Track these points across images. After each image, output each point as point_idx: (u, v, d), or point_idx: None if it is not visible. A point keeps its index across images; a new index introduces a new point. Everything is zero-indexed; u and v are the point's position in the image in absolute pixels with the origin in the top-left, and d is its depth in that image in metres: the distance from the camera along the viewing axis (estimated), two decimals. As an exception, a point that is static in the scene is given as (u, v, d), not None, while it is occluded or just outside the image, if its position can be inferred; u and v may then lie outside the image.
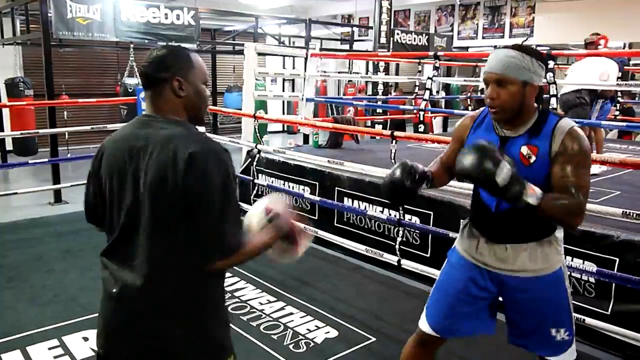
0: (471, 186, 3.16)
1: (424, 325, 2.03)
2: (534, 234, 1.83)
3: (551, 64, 4.73)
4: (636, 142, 8.57)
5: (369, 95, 9.50)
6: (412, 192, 1.90)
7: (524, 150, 1.77)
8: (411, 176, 1.88)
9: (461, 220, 2.08)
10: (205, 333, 1.40)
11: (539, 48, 8.90)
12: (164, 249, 1.34)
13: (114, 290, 1.37)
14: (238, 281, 3.81)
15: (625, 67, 6.88)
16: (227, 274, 3.90)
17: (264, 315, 3.30)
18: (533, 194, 1.62)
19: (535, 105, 1.81)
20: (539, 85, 1.77)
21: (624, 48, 12.12)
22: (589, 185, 1.75)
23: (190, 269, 1.35)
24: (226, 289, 3.63)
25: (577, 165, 1.71)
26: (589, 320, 2.84)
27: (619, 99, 7.76)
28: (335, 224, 4.67)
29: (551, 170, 1.74)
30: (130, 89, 7.73)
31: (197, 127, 1.47)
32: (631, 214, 2.59)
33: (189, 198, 1.30)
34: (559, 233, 1.87)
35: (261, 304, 3.47)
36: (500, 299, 1.98)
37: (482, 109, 1.98)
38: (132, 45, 7.36)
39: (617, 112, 7.62)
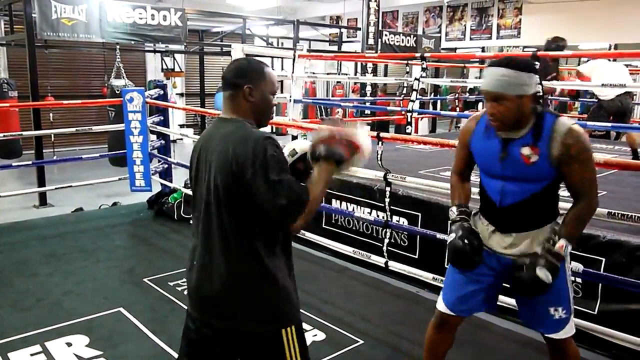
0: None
1: (440, 305, 2.23)
2: (536, 223, 1.99)
3: (537, 65, 4.75)
4: (622, 142, 8.63)
5: (360, 96, 9.50)
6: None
7: (525, 150, 1.90)
8: (478, 248, 2.04)
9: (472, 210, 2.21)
10: (265, 297, 1.64)
11: (526, 50, 8.99)
12: (234, 226, 1.61)
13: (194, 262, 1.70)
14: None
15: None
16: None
17: (250, 319, 3.27)
18: (564, 248, 1.88)
19: (533, 106, 1.91)
20: (533, 93, 1.87)
21: (609, 49, 12.21)
22: (595, 175, 1.93)
23: (256, 242, 1.61)
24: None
25: (581, 162, 1.87)
26: (576, 321, 2.84)
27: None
28: (324, 226, 4.65)
29: (559, 171, 1.90)
30: (118, 90, 7.63)
31: (258, 127, 1.71)
32: (616, 214, 2.60)
33: (246, 184, 1.54)
34: (560, 218, 2.01)
35: (248, 307, 3.44)
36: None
37: (483, 111, 2.06)
38: (118, 47, 7.29)
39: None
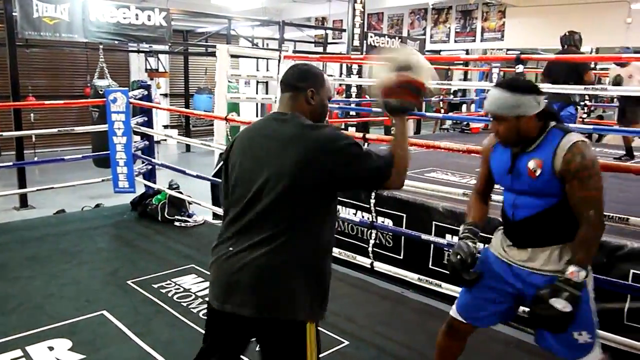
0: (442, 188, 3.20)
1: (453, 311, 2.23)
2: (553, 239, 1.97)
3: (520, 68, 4.80)
4: (603, 144, 8.77)
5: (345, 97, 9.51)
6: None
7: (531, 164, 1.94)
8: (469, 266, 2.05)
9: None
10: (306, 289, 1.70)
11: (509, 53, 9.07)
12: (292, 219, 1.67)
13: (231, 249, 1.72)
14: (202, 281, 3.75)
15: (593, 72, 7.03)
16: (198, 279, 3.82)
17: (236, 321, 3.26)
18: (577, 273, 1.84)
19: (542, 122, 1.96)
20: (534, 114, 1.92)
21: (591, 53, 12.39)
22: (600, 193, 1.90)
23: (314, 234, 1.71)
24: (197, 294, 3.59)
25: (582, 180, 1.87)
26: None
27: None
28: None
29: (562, 187, 1.91)
30: (101, 90, 7.55)
31: None
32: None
33: (329, 170, 1.63)
34: None
35: (233, 309, 3.42)
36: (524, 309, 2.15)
37: None
38: (101, 46, 7.22)
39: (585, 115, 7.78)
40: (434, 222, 3.79)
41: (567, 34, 5.64)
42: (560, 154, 1.88)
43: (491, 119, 2.00)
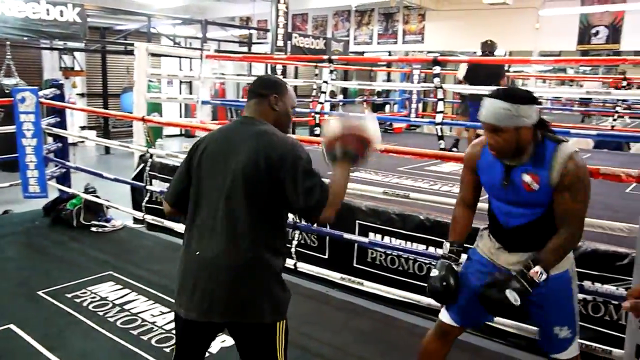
0: (366, 187, 3.23)
1: (443, 315, 2.18)
2: (543, 244, 1.95)
3: (437, 69, 4.97)
4: None
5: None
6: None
7: (527, 178, 1.92)
8: (455, 291, 2.07)
9: (480, 227, 2.24)
10: (273, 291, 1.76)
11: (429, 54, 9.46)
12: (255, 219, 1.71)
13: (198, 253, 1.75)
14: (128, 293, 3.61)
15: (506, 73, 7.42)
16: (116, 287, 3.68)
17: (155, 328, 3.14)
18: (539, 274, 1.87)
19: (534, 134, 1.92)
20: (532, 124, 1.89)
21: (504, 56, 13.04)
22: (586, 207, 1.93)
23: (272, 237, 1.75)
24: (114, 302, 3.44)
25: (574, 192, 1.88)
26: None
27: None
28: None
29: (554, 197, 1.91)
30: (8, 90, 7.10)
31: None
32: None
33: (279, 179, 1.67)
34: None
35: (153, 315, 3.30)
36: None
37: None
38: (8, 43, 6.77)
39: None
40: (357, 221, 3.84)
41: (488, 42, 6.02)
42: (557, 168, 1.87)
43: (484, 130, 1.95)
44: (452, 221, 2.24)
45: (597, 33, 10.87)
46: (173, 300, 3.48)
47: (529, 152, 1.93)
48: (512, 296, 1.85)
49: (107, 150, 11.28)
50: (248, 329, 1.77)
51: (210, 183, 1.76)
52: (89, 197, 5.11)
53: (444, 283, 2.05)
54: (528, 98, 1.89)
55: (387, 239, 3.66)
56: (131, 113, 6.37)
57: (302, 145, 1.76)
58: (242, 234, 1.70)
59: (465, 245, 2.18)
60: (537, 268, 1.87)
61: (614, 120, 7.23)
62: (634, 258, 2.25)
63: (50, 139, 5.71)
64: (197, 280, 1.74)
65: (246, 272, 1.71)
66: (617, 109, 7.89)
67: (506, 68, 8.00)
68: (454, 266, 2.09)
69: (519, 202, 1.96)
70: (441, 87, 5.07)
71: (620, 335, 2.53)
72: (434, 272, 2.10)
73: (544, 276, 1.87)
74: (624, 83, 7.59)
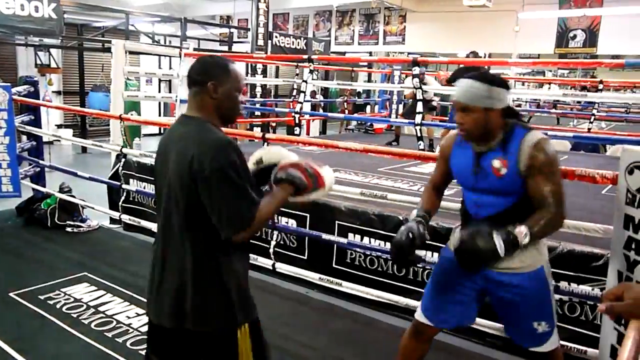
0: (345, 188, 3.22)
1: (418, 314, 2.19)
2: None
3: (417, 70, 4.98)
4: None
5: (249, 97, 9.41)
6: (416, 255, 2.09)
7: (496, 163, 1.94)
8: (416, 247, 2.02)
9: (454, 224, 2.27)
10: (220, 297, 1.64)
11: (410, 56, 9.52)
12: (189, 226, 1.62)
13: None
14: (103, 294, 3.54)
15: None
16: (91, 288, 3.61)
17: (131, 330, 3.09)
18: (524, 235, 1.85)
19: (505, 120, 1.95)
20: (502, 108, 1.92)
21: (484, 57, 13.16)
22: (562, 189, 1.93)
23: (211, 242, 1.62)
24: (89, 304, 3.37)
25: (547, 175, 1.88)
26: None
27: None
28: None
29: (526, 183, 1.92)
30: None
31: (219, 125, 1.72)
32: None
33: (198, 186, 1.56)
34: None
35: (128, 317, 3.25)
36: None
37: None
38: (-19, 38, 6.62)
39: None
40: (337, 222, 3.82)
41: (470, 54, 6.37)
42: (525, 152, 1.88)
43: (455, 110, 1.97)
44: (420, 198, 2.28)
45: (574, 36, 11.04)
46: (149, 302, 3.45)
47: (499, 138, 1.95)
48: (499, 242, 1.83)
49: (84, 149, 11.11)
50: (203, 339, 1.68)
51: (159, 187, 1.73)
52: (64, 196, 5.01)
53: (409, 234, 1.99)
54: (499, 81, 1.92)
55: (366, 240, 3.65)
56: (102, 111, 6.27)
57: (230, 147, 1.60)
58: (181, 240, 1.64)
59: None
60: (523, 228, 1.86)
61: (591, 122, 7.33)
62: (609, 259, 2.26)
63: (24, 138, 5.59)
64: (151, 284, 1.73)
65: (188, 279, 1.63)
66: (594, 111, 8.01)
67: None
68: (421, 227, 2.04)
69: (489, 190, 1.98)
70: (421, 88, 5.09)
71: (596, 335, 2.55)
72: (400, 230, 2.06)
73: (527, 239, 1.86)
74: (600, 86, 7.71)
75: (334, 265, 3.84)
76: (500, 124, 1.94)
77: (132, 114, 5.81)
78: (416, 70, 4.96)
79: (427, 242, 2.10)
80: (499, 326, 2.72)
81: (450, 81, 2.13)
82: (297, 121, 5.99)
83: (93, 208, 4.92)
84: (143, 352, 2.82)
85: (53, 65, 12.16)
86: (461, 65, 6.04)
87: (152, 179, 5.06)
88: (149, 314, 1.76)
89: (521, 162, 1.90)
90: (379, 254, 3.57)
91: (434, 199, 2.24)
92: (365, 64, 12.67)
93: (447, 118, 7.59)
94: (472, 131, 1.94)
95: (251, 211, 1.59)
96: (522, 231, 1.86)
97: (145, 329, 3.07)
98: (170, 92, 12.92)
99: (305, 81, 5.93)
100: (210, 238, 1.62)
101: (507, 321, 2.13)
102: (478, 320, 2.76)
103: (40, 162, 5.47)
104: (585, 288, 2.72)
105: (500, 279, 2.01)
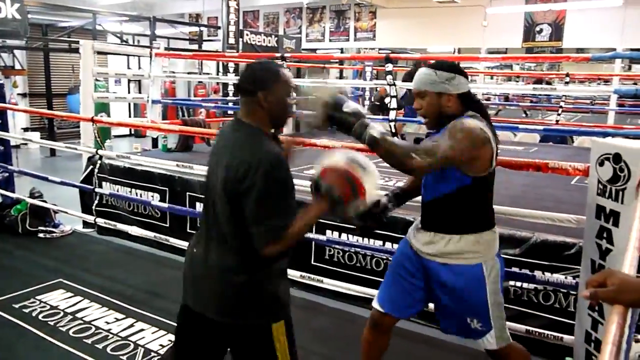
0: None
1: (375, 303, 2.25)
2: (453, 227, 2.01)
3: (390, 66, 5.02)
4: (517, 142, 9.44)
5: (222, 96, 9.34)
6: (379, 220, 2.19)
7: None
8: (376, 212, 2.15)
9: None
10: (259, 294, 1.71)
11: (381, 52, 9.61)
12: (234, 224, 1.67)
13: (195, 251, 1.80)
14: (80, 301, 3.49)
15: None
16: (67, 295, 3.54)
17: (111, 336, 3.05)
18: (376, 130, 1.83)
19: (464, 107, 1.98)
20: (456, 93, 1.97)
21: (453, 53, 13.34)
22: (453, 152, 1.83)
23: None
24: (66, 311, 3.32)
25: (451, 134, 1.86)
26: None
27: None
28: (189, 231, 4.50)
29: (459, 171, 1.94)
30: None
31: (270, 132, 1.76)
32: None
33: (241, 195, 1.61)
34: (489, 235, 2.03)
35: (107, 323, 3.20)
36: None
37: None
38: (-59, 41, 6.41)
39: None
40: (314, 219, 3.84)
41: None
42: (444, 132, 1.89)
43: (415, 98, 2.05)
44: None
45: (541, 30, 11.26)
46: (128, 307, 3.41)
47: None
48: (352, 105, 1.83)
49: (53, 152, 10.86)
50: (240, 332, 1.74)
51: (210, 184, 1.78)
52: (35, 201, 4.91)
53: (377, 200, 2.15)
54: (452, 67, 2.00)
55: (344, 236, 3.67)
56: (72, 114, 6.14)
57: (277, 161, 1.63)
58: (227, 236, 1.70)
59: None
60: (380, 127, 1.86)
61: (558, 115, 7.50)
62: (582, 247, 2.33)
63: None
64: (192, 277, 1.80)
65: (231, 272, 1.69)
66: (562, 103, 8.20)
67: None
68: (385, 198, 2.21)
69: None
70: (394, 84, 5.13)
71: (570, 322, 2.63)
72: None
73: (374, 132, 1.80)
74: (567, 79, 7.90)
75: (312, 263, 3.85)
76: (457, 110, 1.97)
77: (102, 116, 5.69)
78: (389, 66, 5.00)
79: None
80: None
81: (405, 80, 2.23)
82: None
83: (66, 212, 4.82)
84: (125, 358, 2.81)
85: (18, 67, 11.84)
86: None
87: (126, 181, 5.04)
88: (187, 300, 1.82)
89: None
90: (357, 249, 3.60)
91: (412, 180, 2.30)
92: (337, 60, 12.69)
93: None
94: (427, 115, 2.03)
95: (285, 228, 1.63)
96: (376, 126, 1.83)
97: (125, 333, 3.06)
98: (140, 92, 12.72)
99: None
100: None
101: (440, 311, 2.14)
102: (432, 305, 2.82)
103: (9, 167, 5.34)
104: (559, 277, 2.79)
105: (432, 267, 2.04)
